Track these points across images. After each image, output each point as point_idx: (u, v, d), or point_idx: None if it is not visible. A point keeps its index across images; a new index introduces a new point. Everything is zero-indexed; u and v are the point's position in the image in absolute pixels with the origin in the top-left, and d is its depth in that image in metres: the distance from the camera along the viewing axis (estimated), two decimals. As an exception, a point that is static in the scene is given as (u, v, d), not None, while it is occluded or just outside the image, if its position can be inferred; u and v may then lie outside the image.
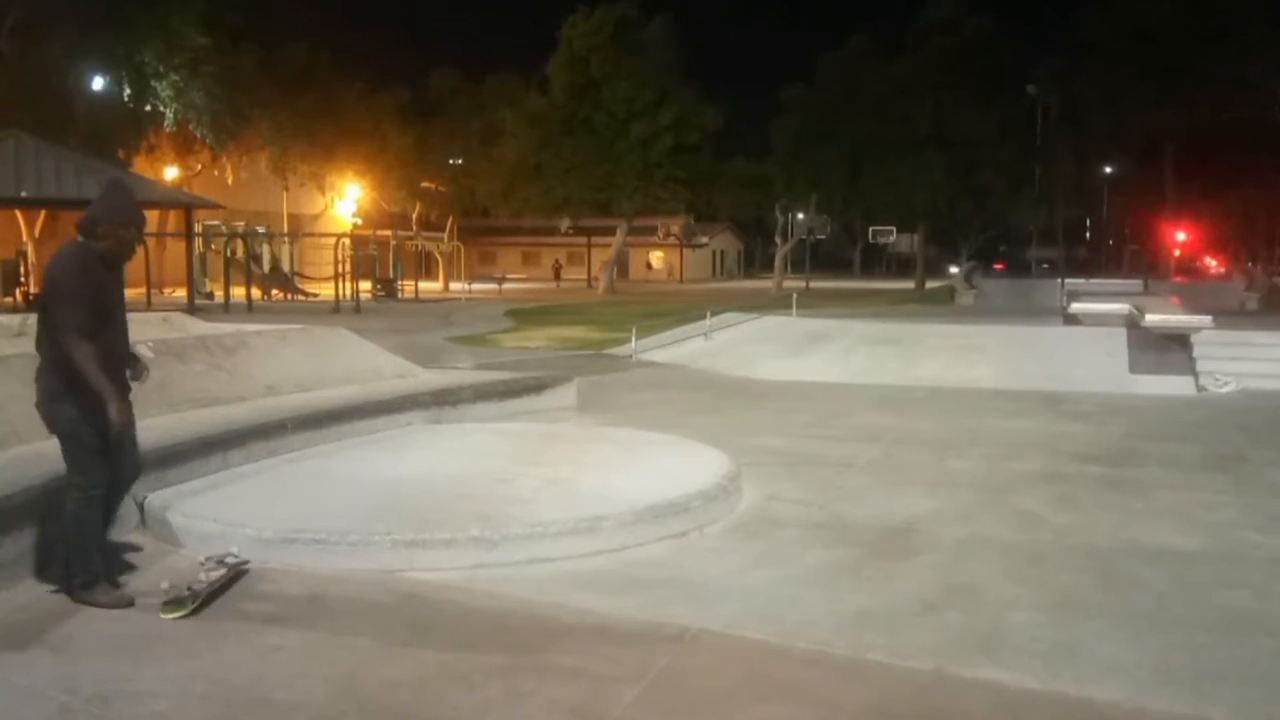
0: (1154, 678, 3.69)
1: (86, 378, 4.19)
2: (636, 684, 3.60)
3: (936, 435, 8.74)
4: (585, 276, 53.45)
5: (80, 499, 4.39)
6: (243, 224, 34.85)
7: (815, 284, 41.96)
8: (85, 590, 4.38)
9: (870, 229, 49.48)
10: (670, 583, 4.69)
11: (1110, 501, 6.34)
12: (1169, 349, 12.50)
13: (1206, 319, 12.79)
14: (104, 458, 4.40)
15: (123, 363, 4.55)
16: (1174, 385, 11.63)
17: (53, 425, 4.43)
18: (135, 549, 5.03)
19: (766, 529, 5.63)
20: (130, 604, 4.34)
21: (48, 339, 4.35)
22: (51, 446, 5.67)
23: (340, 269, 28.75)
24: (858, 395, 11.21)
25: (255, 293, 28.41)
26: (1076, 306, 19.20)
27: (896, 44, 44.77)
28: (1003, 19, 71.81)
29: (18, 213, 29.83)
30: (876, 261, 75.36)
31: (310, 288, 34.51)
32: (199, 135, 34.10)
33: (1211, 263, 55.45)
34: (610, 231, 44.55)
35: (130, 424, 4.40)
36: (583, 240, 54.47)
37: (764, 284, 46.89)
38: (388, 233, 40.22)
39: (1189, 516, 5.96)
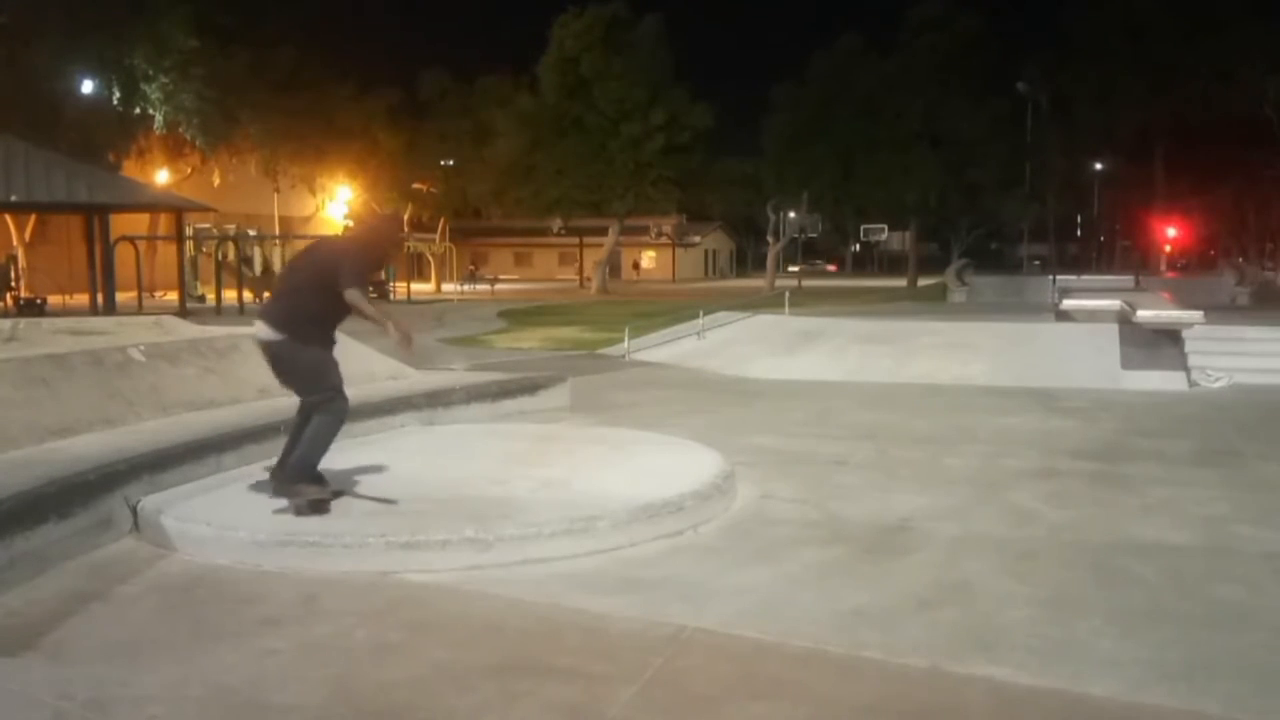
0: (1149, 672, 3.70)
1: (365, 314, 5.21)
2: (632, 684, 3.59)
3: (930, 432, 8.75)
4: (578, 277, 53.47)
5: (334, 410, 5.35)
6: (234, 227, 34.79)
7: (807, 283, 41.99)
8: (296, 481, 5.23)
9: (862, 226, 49.50)
10: (665, 582, 4.69)
11: (1104, 497, 6.36)
12: (1161, 344, 12.49)
13: (1198, 314, 12.76)
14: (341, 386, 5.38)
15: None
16: (1166, 381, 11.65)
17: (295, 361, 5.36)
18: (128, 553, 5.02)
19: (761, 528, 5.63)
20: (330, 500, 5.30)
21: (318, 291, 5.24)
22: (41, 451, 5.68)
23: (332, 271, 28.66)
24: (851, 393, 11.22)
25: (247, 295, 28.35)
26: (1068, 303, 19.15)
27: (887, 42, 44.91)
28: (993, 16, 71.95)
29: (8, 217, 29.80)
30: (869, 259, 75.39)
31: (302, 290, 34.40)
32: (189, 138, 34.02)
33: (1175, 266, 54.71)
34: (602, 232, 44.54)
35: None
36: (575, 241, 54.46)
37: (756, 283, 46.90)
38: (379, 234, 40.08)
39: (1182, 511, 5.97)
